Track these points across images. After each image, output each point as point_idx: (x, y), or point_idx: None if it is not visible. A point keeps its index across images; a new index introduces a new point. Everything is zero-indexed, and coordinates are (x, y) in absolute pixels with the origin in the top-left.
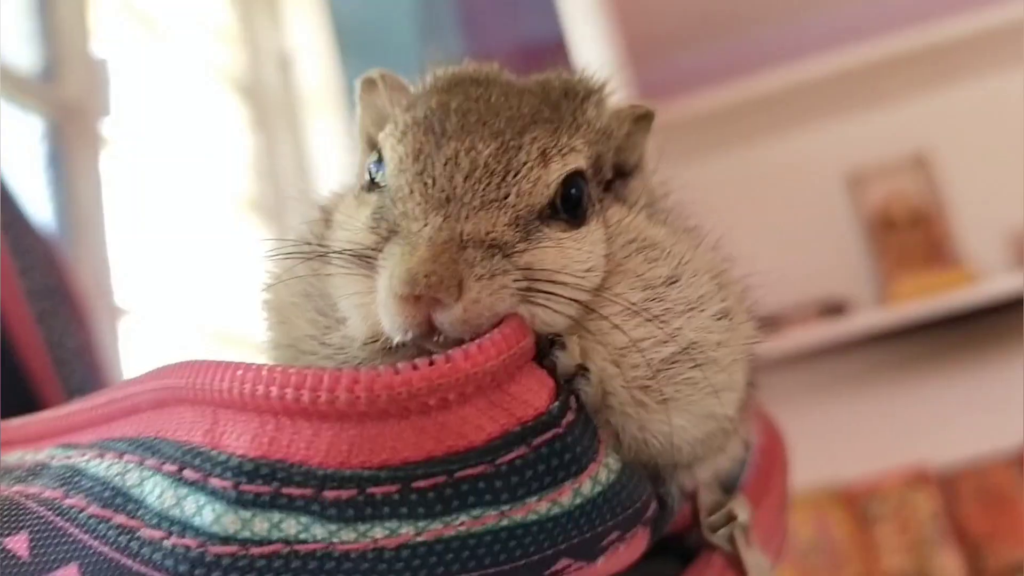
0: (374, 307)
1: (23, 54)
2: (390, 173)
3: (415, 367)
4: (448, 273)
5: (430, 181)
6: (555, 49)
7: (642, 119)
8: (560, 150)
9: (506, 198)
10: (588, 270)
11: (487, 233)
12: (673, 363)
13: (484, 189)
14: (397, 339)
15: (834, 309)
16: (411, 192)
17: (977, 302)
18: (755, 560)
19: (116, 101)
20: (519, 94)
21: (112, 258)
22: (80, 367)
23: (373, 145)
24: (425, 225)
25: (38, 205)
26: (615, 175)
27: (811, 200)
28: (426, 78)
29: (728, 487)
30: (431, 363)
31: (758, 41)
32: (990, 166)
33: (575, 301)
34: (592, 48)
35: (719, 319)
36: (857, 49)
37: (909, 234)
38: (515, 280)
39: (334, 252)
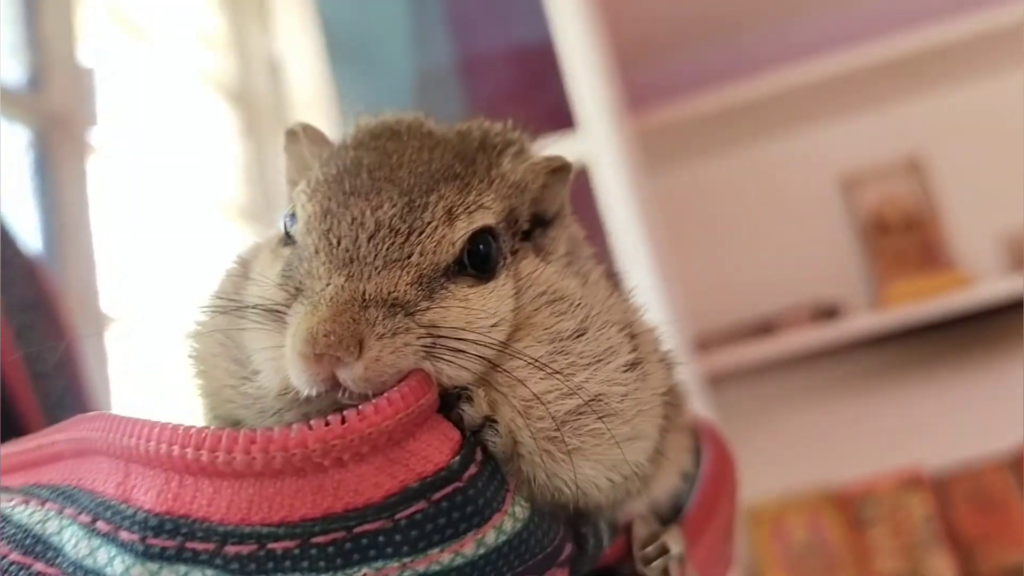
0: (284, 361)
1: (8, 64)
2: (300, 230)
3: (310, 428)
4: (348, 332)
5: (335, 240)
6: (544, 53)
7: (558, 171)
8: (467, 208)
9: (409, 257)
10: (494, 325)
11: (389, 293)
12: (578, 415)
13: (387, 249)
14: (305, 393)
15: (828, 312)
16: (316, 252)
17: (971, 305)
18: None
19: (104, 109)
20: (433, 148)
21: (100, 265)
22: (60, 381)
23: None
24: (327, 285)
25: (24, 214)
26: (533, 225)
27: (804, 203)
28: (348, 130)
29: (668, 516)
30: (327, 424)
31: (750, 44)
32: (983, 169)
33: (480, 357)
34: (581, 52)
35: (626, 371)
36: (850, 53)
37: (903, 237)
38: (419, 337)
39: (247, 307)
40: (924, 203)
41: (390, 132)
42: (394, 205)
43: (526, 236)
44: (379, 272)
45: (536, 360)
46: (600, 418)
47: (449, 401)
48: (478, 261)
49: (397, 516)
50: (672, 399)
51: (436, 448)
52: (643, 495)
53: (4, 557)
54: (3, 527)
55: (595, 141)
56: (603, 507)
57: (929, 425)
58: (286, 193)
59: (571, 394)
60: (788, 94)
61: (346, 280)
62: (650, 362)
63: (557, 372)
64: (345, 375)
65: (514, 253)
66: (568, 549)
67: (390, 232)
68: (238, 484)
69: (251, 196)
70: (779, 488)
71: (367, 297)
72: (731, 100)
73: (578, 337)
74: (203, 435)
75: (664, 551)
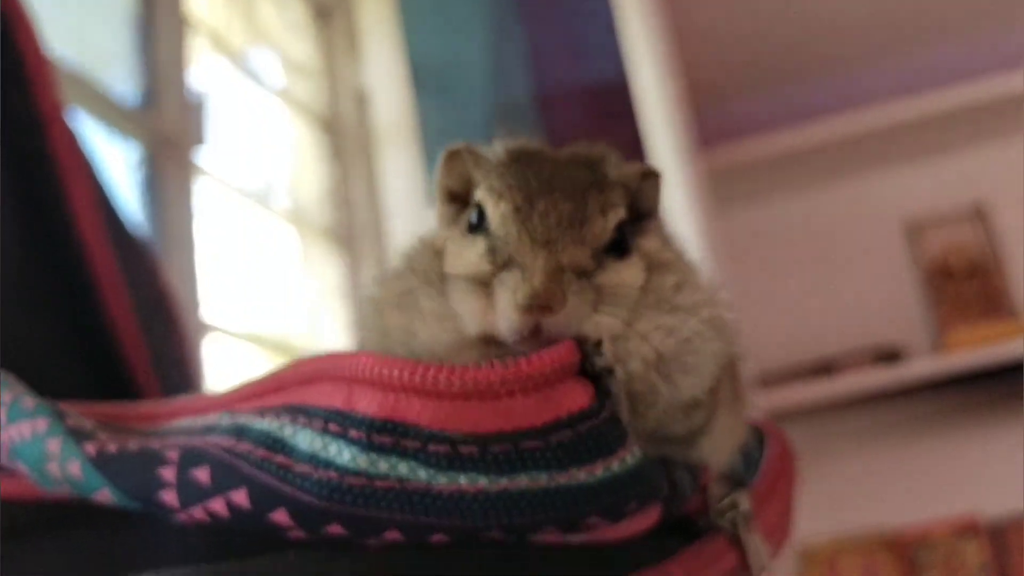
0: (490, 315)
1: (124, 84)
2: (497, 223)
3: (492, 366)
4: (559, 290)
5: (532, 228)
6: (619, 91)
7: (648, 175)
8: (610, 205)
9: (584, 240)
10: (635, 285)
11: (577, 264)
12: (682, 343)
13: (571, 233)
14: (512, 339)
15: (889, 356)
16: (520, 236)
17: None
18: (754, 544)
19: (211, 131)
20: (567, 163)
21: (201, 278)
22: (175, 376)
23: (453, 199)
24: (537, 258)
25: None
26: (634, 218)
27: (869, 247)
28: (496, 149)
29: (736, 484)
30: (505, 366)
31: (820, 90)
32: None
33: (628, 309)
34: (654, 91)
35: (710, 321)
36: (918, 101)
37: (966, 284)
38: (593, 294)
39: (458, 276)
40: (988, 251)
41: (531, 153)
42: (567, 203)
43: (630, 226)
44: (568, 249)
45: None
46: (690, 352)
47: (587, 358)
48: (618, 244)
49: (550, 439)
50: (729, 368)
51: (580, 393)
52: (701, 444)
53: (250, 453)
54: (247, 432)
55: (665, 178)
56: (678, 440)
57: (987, 472)
58: (438, 198)
59: (674, 330)
60: (856, 139)
61: (550, 254)
62: (722, 323)
63: (666, 312)
64: (549, 323)
65: (634, 237)
66: (665, 488)
67: (570, 222)
68: (439, 402)
69: (336, 217)
70: (834, 529)
71: (564, 266)
72: (799, 143)
73: (678, 290)
74: (415, 364)
75: (735, 506)
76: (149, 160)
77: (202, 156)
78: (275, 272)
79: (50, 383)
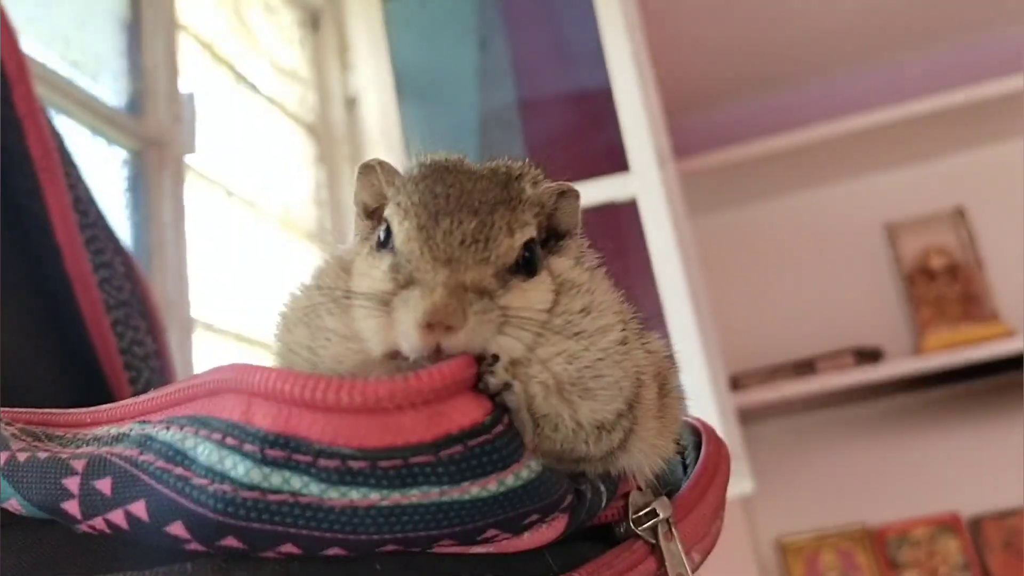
0: (391, 333)
1: (113, 89)
2: (401, 240)
3: (380, 381)
4: (460, 308)
5: (435, 246)
6: (600, 99)
7: (566, 194)
8: (519, 224)
9: (488, 259)
10: (542, 308)
11: (480, 283)
12: (580, 373)
13: (473, 252)
14: (412, 357)
15: (871, 356)
16: (422, 254)
17: (1011, 353)
18: (673, 551)
19: (199, 134)
20: (479, 179)
21: (189, 275)
22: (147, 372)
23: (368, 213)
24: (437, 276)
25: (119, 227)
26: (548, 237)
27: (849, 250)
28: (412, 164)
29: (663, 489)
30: (394, 381)
31: (794, 98)
32: None
33: (532, 331)
34: (634, 100)
35: (618, 344)
36: (897, 107)
37: (946, 286)
38: (498, 316)
39: (360, 294)
40: (967, 253)
41: (444, 168)
42: (472, 222)
43: (543, 245)
44: (470, 268)
45: (555, 328)
46: (596, 376)
47: (482, 376)
48: (526, 263)
49: (440, 454)
50: (651, 385)
51: (473, 409)
52: (618, 462)
53: (151, 464)
54: (150, 443)
55: (643, 182)
56: (591, 459)
57: (965, 469)
58: (354, 211)
59: (578, 355)
60: (838, 144)
61: (451, 272)
62: (633, 344)
63: (574, 335)
64: (448, 343)
65: (545, 257)
66: (569, 499)
67: (473, 241)
68: (329, 416)
69: (320, 218)
70: (815, 523)
71: (466, 285)
72: (775, 148)
73: (585, 314)
74: (309, 378)
75: (654, 515)
76: (138, 163)
77: (192, 160)
78: (263, 273)
79: (19, 379)
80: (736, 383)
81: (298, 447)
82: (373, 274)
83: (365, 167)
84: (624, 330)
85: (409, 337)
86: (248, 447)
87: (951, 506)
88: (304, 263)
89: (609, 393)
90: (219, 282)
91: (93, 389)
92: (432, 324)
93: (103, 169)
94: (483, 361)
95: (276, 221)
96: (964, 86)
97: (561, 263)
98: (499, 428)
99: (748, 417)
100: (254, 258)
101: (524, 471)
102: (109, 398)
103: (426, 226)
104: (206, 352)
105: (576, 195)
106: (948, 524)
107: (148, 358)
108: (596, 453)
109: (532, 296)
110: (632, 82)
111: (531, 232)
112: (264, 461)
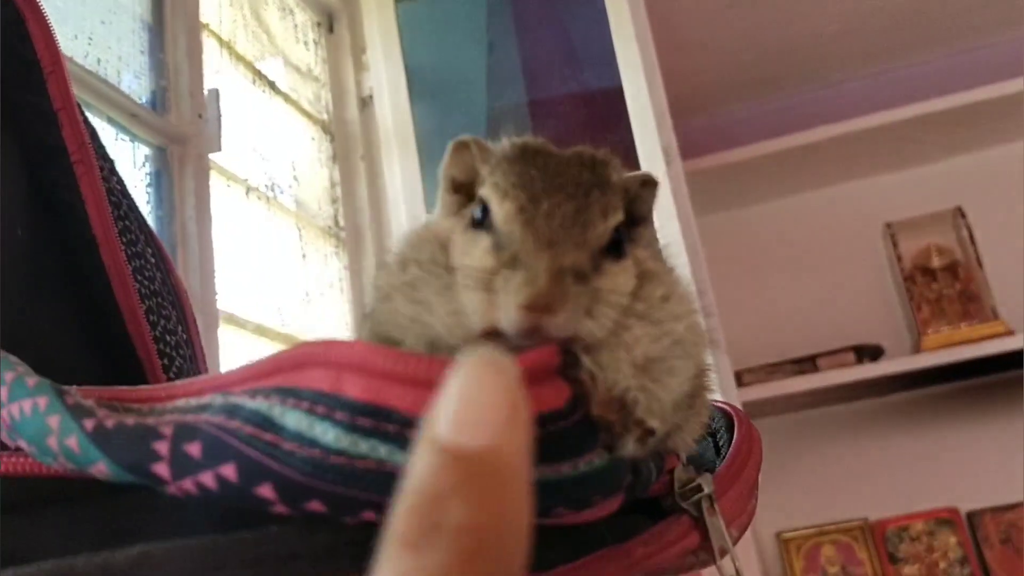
0: (492, 311)
1: (135, 86)
2: (502, 220)
3: None
4: (561, 292)
5: (537, 228)
6: (610, 99)
7: (646, 183)
8: (611, 207)
9: (585, 241)
10: (627, 292)
11: (579, 265)
12: (665, 351)
13: (572, 235)
14: (513, 335)
15: (870, 353)
16: (524, 235)
17: (1010, 351)
18: (716, 525)
19: (221, 131)
20: (571, 163)
21: (216, 274)
22: (179, 359)
23: (457, 189)
24: (541, 259)
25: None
26: (629, 223)
27: (849, 250)
28: (503, 144)
29: (701, 468)
30: None
31: (798, 101)
32: None
33: (618, 314)
34: (644, 101)
35: (692, 331)
36: (898, 109)
37: (946, 286)
38: (590, 299)
39: (464, 270)
40: (967, 253)
41: (536, 151)
42: (570, 204)
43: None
44: (570, 252)
45: (641, 315)
46: (675, 357)
47: (567, 364)
48: (614, 246)
49: None
50: (705, 365)
51: (555, 395)
52: (681, 433)
53: (240, 429)
54: (238, 411)
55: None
56: (659, 435)
57: (964, 465)
58: (443, 187)
59: (660, 338)
60: (834, 147)
61: (553, 256)
62: (700, 328)
63: (653, 323)
64: (548, 324)
65: (629, 242)
66: (628, 479)
67: (572, 224)
68: (419, 390)
69: (337, 214)
70: (816, 517)
71: (566, 268)
72: (779, 150)
73: (665, 301)
74: (400, 354)
75: (699, 489)
76: (159, 158)
77: (215, 156)
78: (281, 268)
79: (57, 367)
80: (739, 379)
81: (388, 416)
82: (473, 252)
83: (460, 144)
84: (696, 318)
85: (511, 317)
86: (339, 415)
87: (950, 501)
88: (322, 259)
89: (688, 371)
90: (241, 277)
91: (129, 376)
92: (534, 305)
93: (127, 165)
94: (570, 346)
95: (292, 217)
96: (964, 89)
97: (641, 251)
98: (576, 417)
99: (750, 413)
100: (273, 254)
101: (596, 460)
102: (145, 384)
103: (527, 207)
104: (228, 344)
105: (656, 184)
106: (947, 519)
107: (180, 346)
108: (663, 429)
109: (621, 279)
110: (641, 83)
111: (620, 216)
112: (354, 428)
